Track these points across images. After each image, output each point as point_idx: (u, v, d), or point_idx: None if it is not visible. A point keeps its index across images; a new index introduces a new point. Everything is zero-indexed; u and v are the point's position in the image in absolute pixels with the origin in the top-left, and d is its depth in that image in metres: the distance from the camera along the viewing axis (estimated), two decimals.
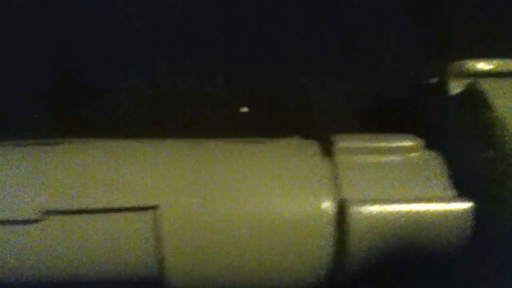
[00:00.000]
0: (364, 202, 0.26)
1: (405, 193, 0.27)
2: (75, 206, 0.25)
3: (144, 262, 0.26)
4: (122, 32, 0.36)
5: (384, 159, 0.28)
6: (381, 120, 0.34)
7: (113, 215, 0.25)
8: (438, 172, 0.28)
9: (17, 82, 0.35)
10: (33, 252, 0.25)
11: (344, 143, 0.28)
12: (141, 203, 0.25)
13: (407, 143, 0.29)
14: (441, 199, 0.26)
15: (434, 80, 0.31)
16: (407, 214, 0.26)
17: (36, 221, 0.25)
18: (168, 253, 0.25)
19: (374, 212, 0.26)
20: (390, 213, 0.26)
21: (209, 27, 0.36)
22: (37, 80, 0.35)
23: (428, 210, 0.26)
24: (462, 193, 0.27)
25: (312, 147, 0.28)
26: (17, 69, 0.35)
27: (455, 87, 0.29)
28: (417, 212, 0.26)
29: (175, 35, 0.36)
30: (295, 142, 0.29)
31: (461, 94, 0.29)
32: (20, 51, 0.35)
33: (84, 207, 0.25)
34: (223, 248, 0.26)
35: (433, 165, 0.28)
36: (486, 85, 0.28)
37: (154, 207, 0.25)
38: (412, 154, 0.28)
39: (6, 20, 0.35)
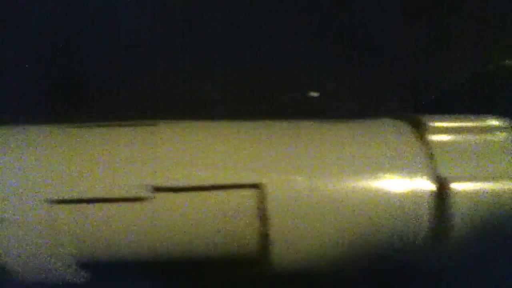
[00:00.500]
0: (464, 179, 0.26)
1: (498, 170, 0.27)
2: (183, 183, 0.25)
3: (248, 240, 0.26)
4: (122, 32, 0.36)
5: (473, 138, 0.28)
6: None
7: (219, 193, 0.26)
8: None
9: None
10: (140, 229, 0.26)
11: (434, 123, 0.29)
12: (247, 181, 0.26)
13: (494, 123, 0.29)
14: None
15: None
16: (505, 192, 0.26)
17: (144, 198, 0.25)
18: (273, 230, 0.26)
19: (475, 189, 0.26)
20: (490, 190, 0.26)
21: None
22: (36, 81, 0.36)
23: None
24: None
25: (403, 127, 0.29)
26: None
27: None
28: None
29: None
30: (386, 122, 0.29)
31: None
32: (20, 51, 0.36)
33: (191, 184, 0.25)
34: (326, 225, 0.26)
35: None
36: None
37: (259, 185, 0.26)
38: (499, 134, 0.29)
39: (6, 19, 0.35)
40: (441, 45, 0.36)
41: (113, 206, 0.25)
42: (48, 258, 0.26)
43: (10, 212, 0.25)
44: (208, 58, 0.36)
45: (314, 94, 0.37)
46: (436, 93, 0.37)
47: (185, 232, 0.26)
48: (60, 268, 0.26)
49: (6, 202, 0.25)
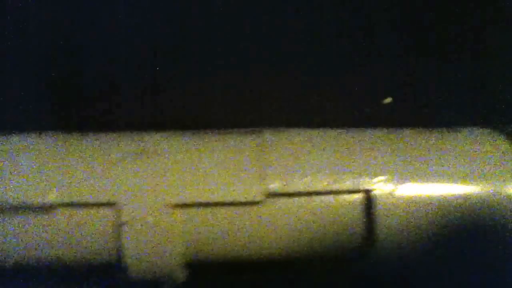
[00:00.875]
0: None
1: None
2: (296, 188, 0.26)
3: (353, 241, 0.27)
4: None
5: None
6: None
7: (327, 197, 0.27)
8: None
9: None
10: (255, 232, 0.27)
11: None
12: (355, 186, 0.27)
13: None
14: None
15: None
16: None
17: (258, 203, 0.26)
18: (378, 232, 0.27)
19: None
20: None
21: None
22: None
23: None
24: None
25: (496, 136, 0.30)
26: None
27: None
28: None
29: None
30: (478, 131, 0.30)
31: None
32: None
33: (303, 189, 0.26)
34: (430, 229, 0.27)
35: None
36: None
37: (366, 191, 0.27)
38: None
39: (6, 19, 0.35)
40: None
41: (228, 210, 0.26)
42: (162, 258, 0.27)
43: (133, 215, 0.26)
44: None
45: (388, 100, 0.38)
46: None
47: (296, 235, 0.27)
48: (169, 267, 0.27)
49: (129, 206, 0.26)
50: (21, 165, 0.26)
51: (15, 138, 0.27)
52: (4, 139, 0.27)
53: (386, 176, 0.27)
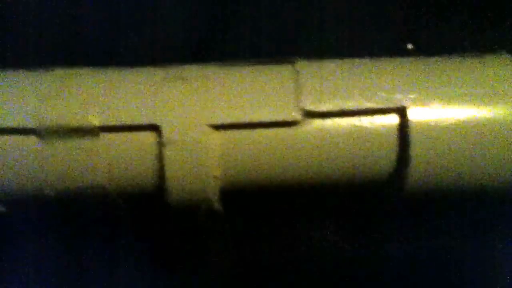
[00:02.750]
0: None
1: None
2: (335, 107, 0.27)
3: (387, 162, 0.28)
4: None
5: None
6: None
7: (362, 118, 0.27)
8: None
9: None
10: (290, 154, 0.27)
11: None
12: (390, 105, 0.27)
13: None
14: None
15: None
16: None
17: (296, 122, 0.27)
18: (412, 152, 0.27)
19: None
20: None
21: None
22: None
23: None
24: None
25: None
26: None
27: None
28: None
29: None
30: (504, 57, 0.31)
31: None
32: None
33: (342, 108, 0.27)
34: (463, 150, 0.27)
35: None
36: None
37: (402, 110, 0.27)
38: None
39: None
40: None
41: (265, 131, 0.27)
42: (200, 181, 0.27)
43: (174, 136, 0.26)
44: None
45: (410, 46, 0.39)
46: None
47: (331, 156, 0.27)
48: (206, 190, 0.28)
49: (170, 128, 0.27)
50: (66, 89, 0.27)
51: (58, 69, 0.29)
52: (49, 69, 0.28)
53: (418, 94, 0.28)
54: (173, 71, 0.28)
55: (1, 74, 0.28)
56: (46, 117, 0.26)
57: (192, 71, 0.28)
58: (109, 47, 0.36)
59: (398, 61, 0.30)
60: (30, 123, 0.26)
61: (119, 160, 0.27)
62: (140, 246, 0.33)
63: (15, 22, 0.36)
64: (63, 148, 0.27)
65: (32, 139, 0.27)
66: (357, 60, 0.29)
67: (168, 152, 0.27)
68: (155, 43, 0.36)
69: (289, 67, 0.29)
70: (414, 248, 0.34)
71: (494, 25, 0.36)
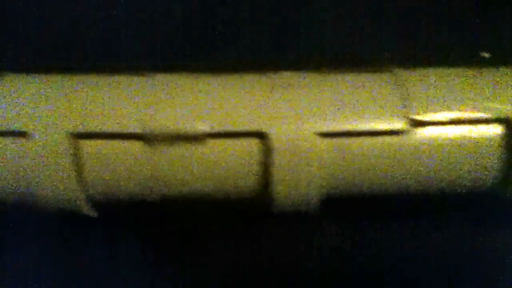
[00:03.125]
0: None
1: None
2: (442, 116, 0.27)
3: (491, 171, 0.28)
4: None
5: None
6: None
7: (468, 127, 0.27)
8: None
9: None
10: (399, 162, 0.27)
11: None
12: (492, 115, 0.27)
13: None
14: None
15: None
16: None
17: (404, 131, 0.27)
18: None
19: None
20: None
21: None
22: None
23: None
24: None
25: None
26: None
27: None
28: None
29: None
30: None
31: None
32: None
33: (448, 118, 0.27)
34: None
35: None
36: None
37: (504, 120, 0.27)
38: None
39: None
40: None
41: (372, 139, 0.27)
42: (305, 188, 0.27)
43: (281, 144, 0.26)
44: None
45: (486, 55, 0.39)
46: None
47: (438, 165, 0.27)
48: (309, 199, 0.28)
49: (277, 135, 0.26)
50: (173, 95, 0.27)
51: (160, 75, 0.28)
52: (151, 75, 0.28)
53: None
54: (278, 78, 0.28)
55: (104, 79, 0.28)
56: (153, 123, 0.26)
57: (296, 79, 0.28)
58: (108, 47, 0.36)
59: (490, 71, 0.30)
60: (137, 129, 0.26)
61: (224, 166, 0.27)
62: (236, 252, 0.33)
63: (14, 21, 0.36)
64: (169, 154, 0.27)
65: (138, 144, 0.27)
66: (452, 69, 0.29)
67: (275, 160, 0.26)
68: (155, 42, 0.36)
69: (390, 75, 0.28)
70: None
71: None
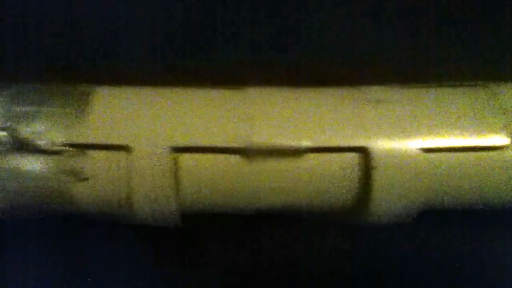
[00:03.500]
0: None
1: None
2: None
3: None
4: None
5: None
6: None
7: None
8: None
9: None
10: (498, 177, 0.27)
11: None
12: None
13: None
14: None
15: None
16: None
17: (505, 147, 0.27)
18: None
19: None
20: None
21: None
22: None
23: None
24: None
25: None
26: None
27: None
28: None
29: None
30: None
31: None
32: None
33: None
34: None
35: None
36: None
37: None
38: None
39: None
40: None
41: (473, 154, 0.27)
42: (405, 203, 0.27)
43: (384, 158, 0.26)
44: None
45: None
46: None
47: None
48: (407, 214, 0.28)
49: (380, 150, 0.26)
50: (272, 110, 0.27)
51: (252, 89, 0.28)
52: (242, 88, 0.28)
53: None
54: (370, 93, 0.28)
55: (202, 92, 0.28)
56: (253, 138, 0.26)
57: (389, 93, 0.28)
58: (108, 46, 0.35)
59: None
60: (237, 144, 0.26)
61: (323, 181, 0.27)
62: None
63: (14, 21, 0.35)
64: (267, 168, 0.27)
65: (237, 158, 0.27)
66: None
67: (376, 175, 0.26)
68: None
69: (485, 90, 0.28)
70: None
71: None
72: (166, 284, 0.34)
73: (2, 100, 0.27)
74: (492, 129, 0.27)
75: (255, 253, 0.34)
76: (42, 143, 0.26)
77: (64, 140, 0.26)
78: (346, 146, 0.26)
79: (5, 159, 0.26)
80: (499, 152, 0.27)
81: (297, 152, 0.26)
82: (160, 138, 0.26)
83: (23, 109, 0.27)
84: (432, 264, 0.34)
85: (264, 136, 0.26)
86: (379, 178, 0.26)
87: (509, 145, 0.27)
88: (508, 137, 0.27)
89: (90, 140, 0.26)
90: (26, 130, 0.26)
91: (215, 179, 0.27)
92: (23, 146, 0.26)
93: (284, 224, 0.33)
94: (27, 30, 0.35)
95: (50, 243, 0.34)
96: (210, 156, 0.27)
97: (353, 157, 0.27)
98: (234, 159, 0.27)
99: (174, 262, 0.34)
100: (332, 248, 0.34)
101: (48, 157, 0.26)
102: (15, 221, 0.32)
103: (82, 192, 0.27)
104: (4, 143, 0.26)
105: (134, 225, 0.31)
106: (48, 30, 0.35)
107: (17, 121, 0.26)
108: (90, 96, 0.27)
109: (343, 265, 0.34)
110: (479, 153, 0.27)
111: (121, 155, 0.27)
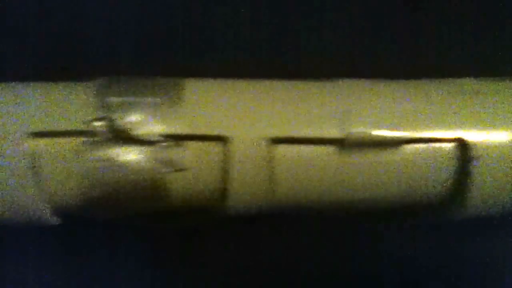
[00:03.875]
0: None
1: None
2: None
3: None
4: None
5: None
6: None
7: None
8: None
9: None
10: None
11: None
12: None
13: None
14: None
15: None
16: None
17: None
18: None
19: None
20: None
21: None
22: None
23: None
24: None
25: None
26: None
27: None
28: None
29: None
30: None
31: None
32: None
33: None
34: None
35: None
36: None
37: None
38: None
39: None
40: None
41: None
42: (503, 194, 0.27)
43: (482, 150, 0.26)
44: None
45: None
46: None
47: None
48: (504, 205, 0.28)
49: (479, 141, 0.26)
50: (372, 102, 0.27)
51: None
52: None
53: None
54: (461, 85, 0.28)
55: (294, 84, 0.28)
56: (352, 128, 0.26)
57: (484, 84, 0.28)
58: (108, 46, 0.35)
59: None
60: (335, 134, 0.26)
61: (418, 173, 0.27)
62: None
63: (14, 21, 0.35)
64: (362, 159, 0.27)
65: (333, 149, 0.27)
66: None
67: (474, 167, 0.26)
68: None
69: None
70: None
71: None
72: (166, 284, 0.34)
73: (96, 91, 0.27)
74: None
75: (255, 253, 0.35)
76: (139, 133, 0.26)
77: (161, 131, 0.26)
78: (443, 137, 0.27)
79: (101, 150, 0.26)
80: None
81: (394, 143, 0.27)
82: (257, 129, 0.26)
83: (118, 100, 0.27)
84: (432, 264, 0.34)
85: (361, 127, 0.26)
86: (477, 170, 0.26)
87: None
88: None
89: (187, 131, 0.26)
90: (123, 121, 0.26)
91: (311, 171, 0.27)
92: (119, 137, 0.26)
93: (284, 224, 0.34)
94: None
95: (50, 243, 0.33)
96: (306, 147, 0.27)
97: (450, 148, 0.27)
98: (330, 150, 0.27)
99: (174, 262, 0.34)
100: (332, 248, 0.34)
101: (145, 148, 0.26)
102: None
103: (176, 183, 0.27)
104: (101, 133, 0.26)
105: (134, 225, 0.32)
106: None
107: (113, 111, 0.26)
108: (184, 88, 0.27)
109: (343, 265, 0.34)
110: None
111: (218, 146, 0.27)
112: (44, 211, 0.27)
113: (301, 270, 0.34)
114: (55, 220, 0.28)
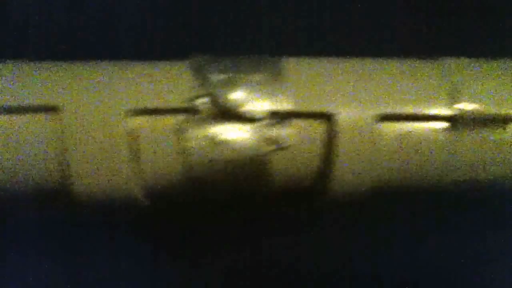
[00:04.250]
0: None
1: None
2: None
3: None
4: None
5: None
6: None
7: None
8: None
9: None
10: None
11: None
12: None
13: None
14: None
15: None
16: None
17: None
18: None
19: None
20: None
21: None
22: None
23: None
24: None
25: None
26: None
27: None
28: None
29: None
30: None
31: None
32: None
33: None
34: None
35: None
36: None
37: None
38: None
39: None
40: None
41: None
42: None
43: None
44: None
45: None
46: None
47: None
48: None
49: None
50: (480, 81, 0.27)
51: None
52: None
53: None
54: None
55: (394, 62, 0.28)
56: (460, 105, 0.26)
57: None
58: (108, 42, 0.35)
59: None
60: (446, 111, 0.26)
61: None
62: None
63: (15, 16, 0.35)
64: (472, 138, 0.26)
65: (443, 127, 0.26)
66: None
67: None
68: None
69: None
70: None
71: None
72: (166, 284, 0.34)
73: (195, 69, 0.27)
74: None
75: (255, 253, 0.34)
76: (244, 111, 0.26)
77: (264, 108, 0.26)
78: None
79: (203, 128, 0.26)
80: None
81: (504, 121, 0.26)
82: (363, 106, 0.26)
83: (221, 77, 0.26)
84: (432, 264, 0.34)
85: (471, 104, 0.26)
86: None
87: None
88: None
89: (292, 108, 0.26)
90: (227, 98, 0.26)
91: (416, 149, 0.26)
92: (223, 115, 0.26)
93: (284, 224, 0.33)
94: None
95: (50, 243, 0.33)
96: (410, 124, 0.26)
97: None
98: (440, 127, 0.26)
99: (174, 262, 0.34)
100: (332, 248, 0.34)
101: (248, 126, 0.26)
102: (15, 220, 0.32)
103: (279, 163, 0.26)
104: (204, 111, 0.26)
105: (134, 225, 0.32)
106: None
107: (218, 88, 0.26)
108: (284, 66, 0.27)
109: (343, 265, 0.34)
110: None
111: (323, 123, 0.26)
112: (140, 191, 0.26)
113: (301, 270, 0.34)
114: (149, 202, 0.27)
